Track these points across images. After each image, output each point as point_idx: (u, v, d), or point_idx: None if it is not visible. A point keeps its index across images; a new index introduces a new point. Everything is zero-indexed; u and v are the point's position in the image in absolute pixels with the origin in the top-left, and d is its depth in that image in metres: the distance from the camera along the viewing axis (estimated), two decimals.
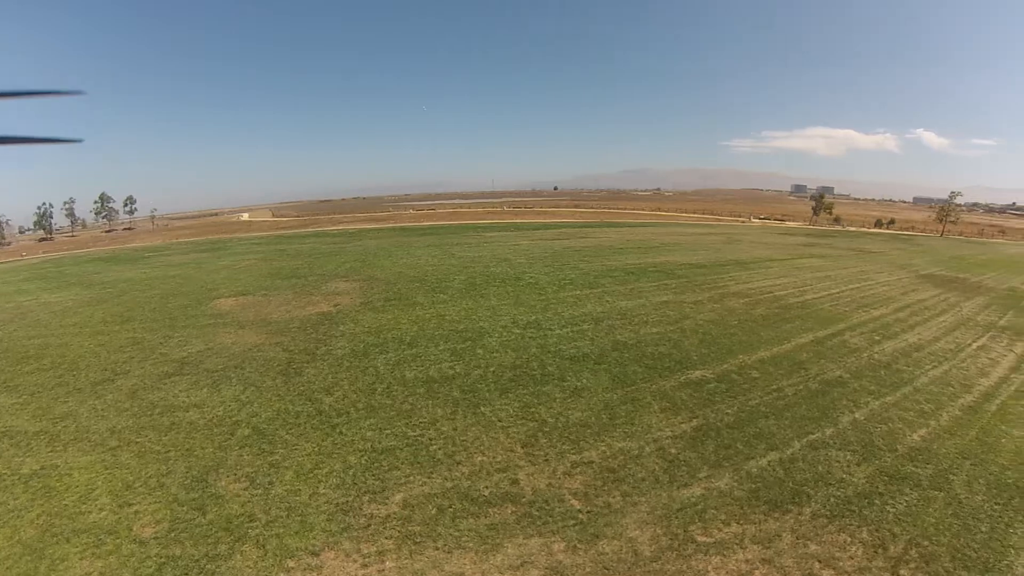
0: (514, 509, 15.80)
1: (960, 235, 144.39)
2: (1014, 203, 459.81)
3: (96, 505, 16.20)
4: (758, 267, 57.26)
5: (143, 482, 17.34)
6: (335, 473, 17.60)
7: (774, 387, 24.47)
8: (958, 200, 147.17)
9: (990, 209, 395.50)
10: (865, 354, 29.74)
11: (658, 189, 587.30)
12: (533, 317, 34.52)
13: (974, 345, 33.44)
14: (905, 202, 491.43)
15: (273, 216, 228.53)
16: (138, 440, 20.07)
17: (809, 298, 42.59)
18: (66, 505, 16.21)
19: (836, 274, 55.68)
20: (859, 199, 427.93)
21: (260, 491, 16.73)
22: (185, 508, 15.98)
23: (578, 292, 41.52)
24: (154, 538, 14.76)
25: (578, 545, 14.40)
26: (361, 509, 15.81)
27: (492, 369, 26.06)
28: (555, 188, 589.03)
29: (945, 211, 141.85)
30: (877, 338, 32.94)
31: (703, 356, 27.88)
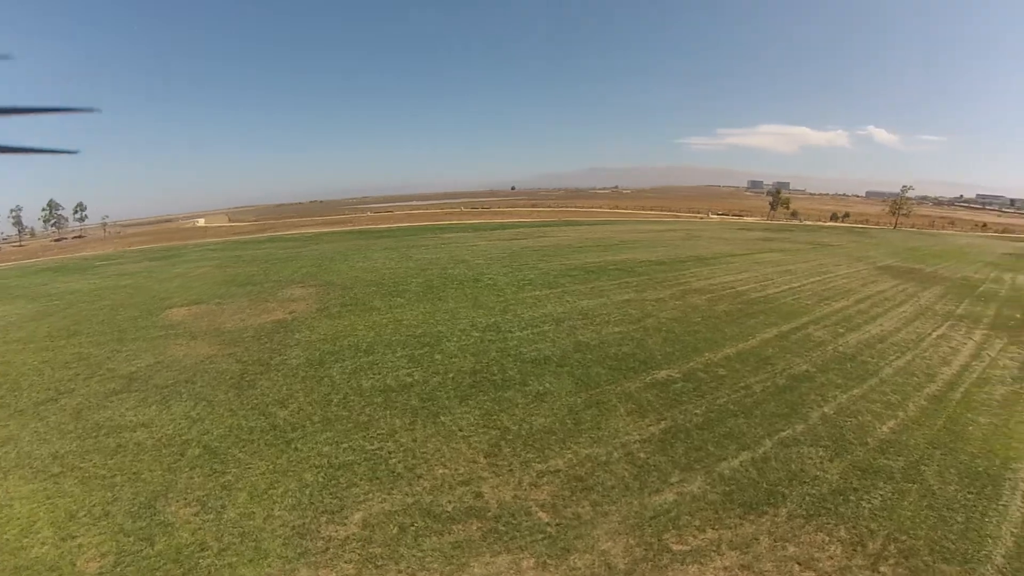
0: (479, 525, 14.96)
1: (912, 227, 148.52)
2: (961, 196, 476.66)
3: (38, 539, 14.87)
4: (718, 263, 57.41)
5: (87, 511, 16.02)
6: (291, 493, 16.55)
7: (742, 384, 24.11)
8: (909, 194, 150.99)
9: (939, 202, 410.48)
10: (830, 347, 29.71)
11: (616, 187, 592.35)
12: (492, 320, 33.71)
13: (934, 334, 33.80)
14: (858, 196, 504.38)
15: (229, 221, 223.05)
16: (82, 465, 18.64)
17: (771, 292, 42.69)
18: (7, 540, 14.86)
19: (796, 268, 56.17)
20: (814, 194, 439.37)
21: (212, 516, 15.60)
22: (132, 539, 14.75)
23: (538, 293, 40.84)
24: (99, 574, 13.58)
25: (548, 561, 13.65)
26: (319, 531, 14.81)
27: (451, 375, 25.17)
28: (512, 188, 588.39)
29: (898, 204, 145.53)
30: (841, 331, 33.01)
31: (668, 355, 27.40)
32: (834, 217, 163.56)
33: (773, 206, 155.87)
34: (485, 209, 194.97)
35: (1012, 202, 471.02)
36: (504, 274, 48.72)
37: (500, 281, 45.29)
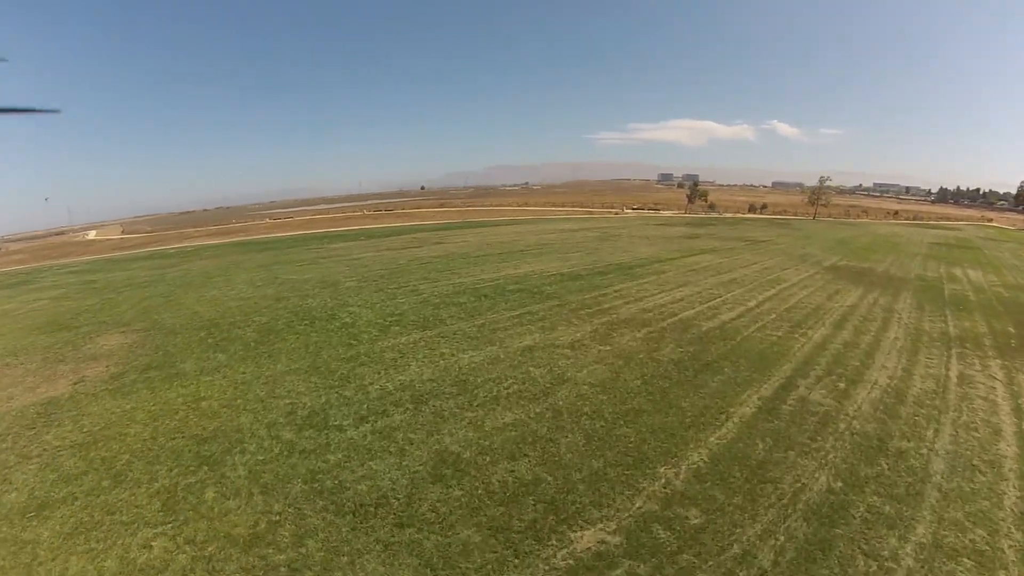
0: None
1: (829, 217, 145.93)
2: (860, 184, 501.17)
3: None
4: (647, 272, 47.32)
5: None
6: None
7: (736, 550, 13.04)
8: (826, 184, 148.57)
9: (840, 191, 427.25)
10: (842, 424, 19.43)
11: (527, 183, 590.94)
12: (323, 399, 21.62)
13: (953, 376, 24.88)
14: (765, 186, 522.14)
15: (122, 233, 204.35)
16: None
17: (726, 319, 32.46)
18: None
19: (741, 275, 46.80)
20: (723, 185, 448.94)
21: None
22: None
23: (404, 339, 28.91)
24: None
25: None
26: None
27: (209, 553, 13.13)
28: (422, 188, 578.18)
29: (816, 194, 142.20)
30: (841, 384, 23.02)
31: (595, 480, 15.90)
32: (752, 209, 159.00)
33: (691, 198, 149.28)
34: (388, 212, 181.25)
35: (907, 189, 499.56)
36: (372, 304, 36.72)
37: (362, 318, 33.22)
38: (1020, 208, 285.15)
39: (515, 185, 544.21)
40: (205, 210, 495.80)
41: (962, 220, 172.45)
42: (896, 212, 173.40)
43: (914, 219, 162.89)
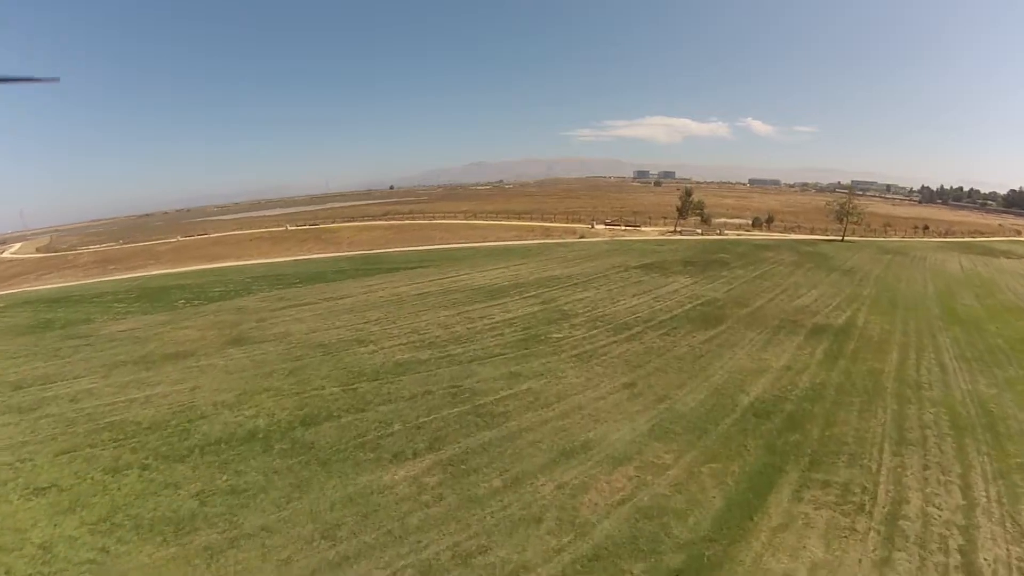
0: None
1: (853, 234, 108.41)
2: (839, 182, 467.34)
3: None
4: None
5: None
6: None
7: None
8: (841, 188, 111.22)
9: (820, 189, 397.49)
10: None
11: (500, 181, 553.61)
12: None
13: None
14: (742, 184, 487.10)
15: (37, 251, 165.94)
16: None
17: None
18: None
19: None
20: (700, 182, 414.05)
21: None
22: None
23: None
24: None
25: None
26: None
27: None
28: (391, 187, 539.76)
29: (846, 208, 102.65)
30: None
31: None
32: (756, 222, 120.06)
33: (682, 212, 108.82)
34: (313, 226, 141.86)
35: (888, 187, 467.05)
36: None
37: None
38: (1015, 211, 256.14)
39: (488, 184, 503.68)
40: (166, 213, 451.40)
41: (992, 234, 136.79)
42: (927, 227, 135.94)
43: (945, 235, 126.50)
